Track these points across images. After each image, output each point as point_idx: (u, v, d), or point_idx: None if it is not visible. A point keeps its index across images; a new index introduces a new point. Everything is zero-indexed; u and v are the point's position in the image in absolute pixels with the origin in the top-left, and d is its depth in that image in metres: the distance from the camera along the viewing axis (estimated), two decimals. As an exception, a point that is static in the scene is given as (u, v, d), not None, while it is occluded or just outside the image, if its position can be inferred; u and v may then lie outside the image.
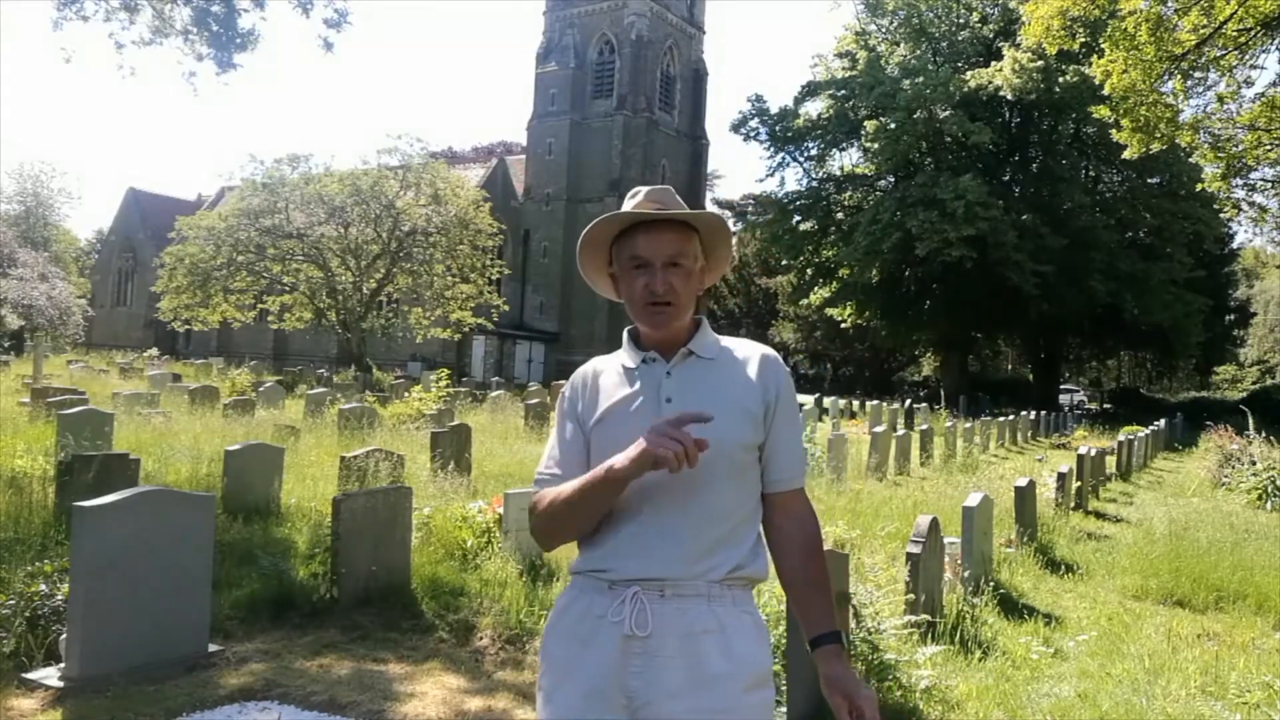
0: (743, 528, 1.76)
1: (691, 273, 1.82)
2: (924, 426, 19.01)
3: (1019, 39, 30.04)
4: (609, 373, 1.85)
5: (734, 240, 1.75)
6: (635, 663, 1.66)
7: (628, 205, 1.84)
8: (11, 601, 4.24)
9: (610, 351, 1.90)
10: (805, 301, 42.53)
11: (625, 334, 1.89)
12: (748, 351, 1.85)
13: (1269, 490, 12.61)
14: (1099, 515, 11.10)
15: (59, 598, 4.22)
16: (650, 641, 1.65)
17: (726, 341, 1.87)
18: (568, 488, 1.72)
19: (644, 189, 1.86)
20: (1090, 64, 14.63)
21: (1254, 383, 53.42)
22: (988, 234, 33.40)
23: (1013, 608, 6.24)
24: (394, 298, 33.84)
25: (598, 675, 1.67)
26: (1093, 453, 12.80)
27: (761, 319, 60.77)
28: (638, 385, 1.79)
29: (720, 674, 1.65)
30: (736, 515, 1.75)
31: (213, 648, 4.42)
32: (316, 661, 4.45)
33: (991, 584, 6.39)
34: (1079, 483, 11.34)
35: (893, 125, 36.60)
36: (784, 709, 3.76)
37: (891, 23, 42.46)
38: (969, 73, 35.89)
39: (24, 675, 3.96)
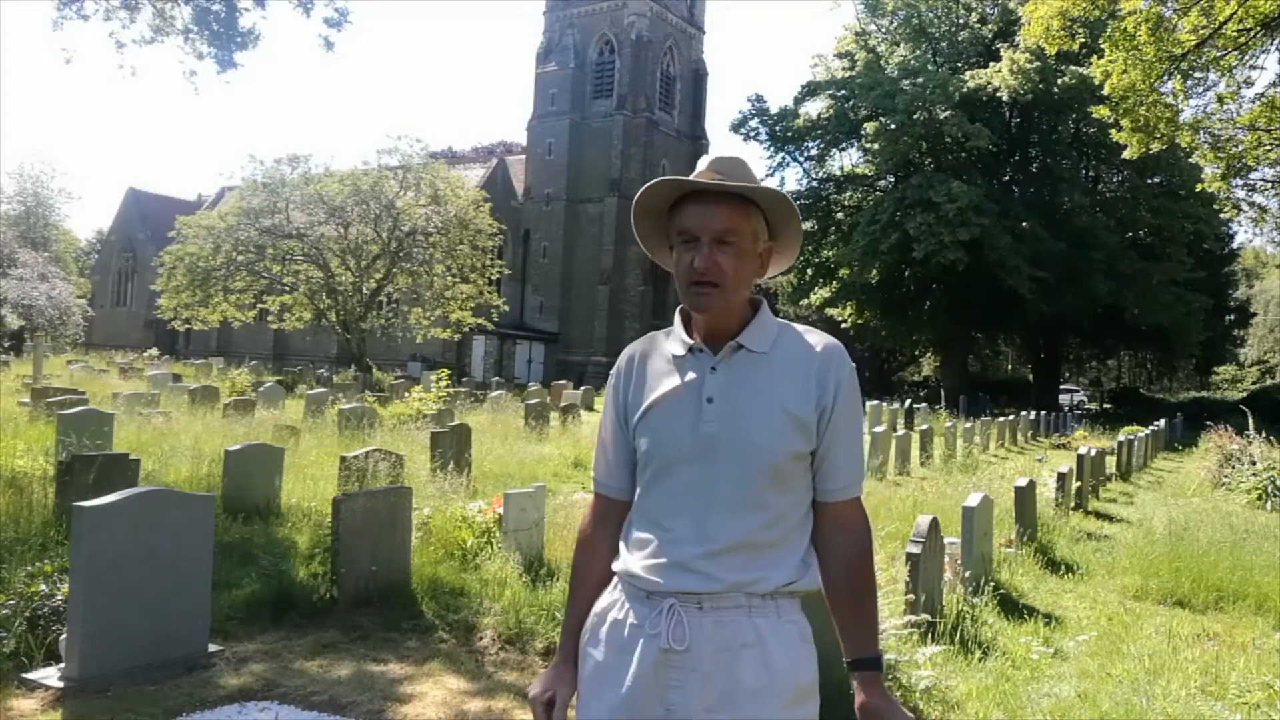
0: (792, 538, 1.65)
1: (747, 253, 1.66)
2: (924, 426, 19.00)
3: (1018, 40, 30.07)
4: (656, 358, 1.73)
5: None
6: (673, 676, 1.59)
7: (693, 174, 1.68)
8: (11, 601, 4.24)
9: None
10: (805, 301, 42.50)
11: (677, 313, 1.75)
12: (808, 345, 1.68)
13: (1269, 490, 12.61)
14: (1099, 515, 11.10)
15: (59, 598, 4.22)
16: (688, 655, 1.58)
17: (786, 331, 1.70)
18: (570, 593, 1.80)
19: (710, 156, 1.68)
20: (1090, 64, 14.63)
21: (1254, 383, 53.45)
22: (981, 237, 33.43)
23: (1013, 608, 6.24)
24: (394, 298, 33.82)
25: (636, 685, 1.60)
26: (1093, 453, 12.80)
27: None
28: (682, 379, 1.67)
29: (758, 688, 1.58)
30: (781, 526, 1.63)
31: (213, 648, 4.42)
32: (316, 662, 4.45)
33: (991, 584, 6.39)
34: (1079, 483, 11.34)
35: (893, 126, 36.58)
36: None
37: (891, 23, 42.46)
38: (968, 73, 35.88)
39: (24, 675, 3.96)
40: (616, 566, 1.71)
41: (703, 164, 1.68)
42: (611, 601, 1.69)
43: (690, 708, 1.58)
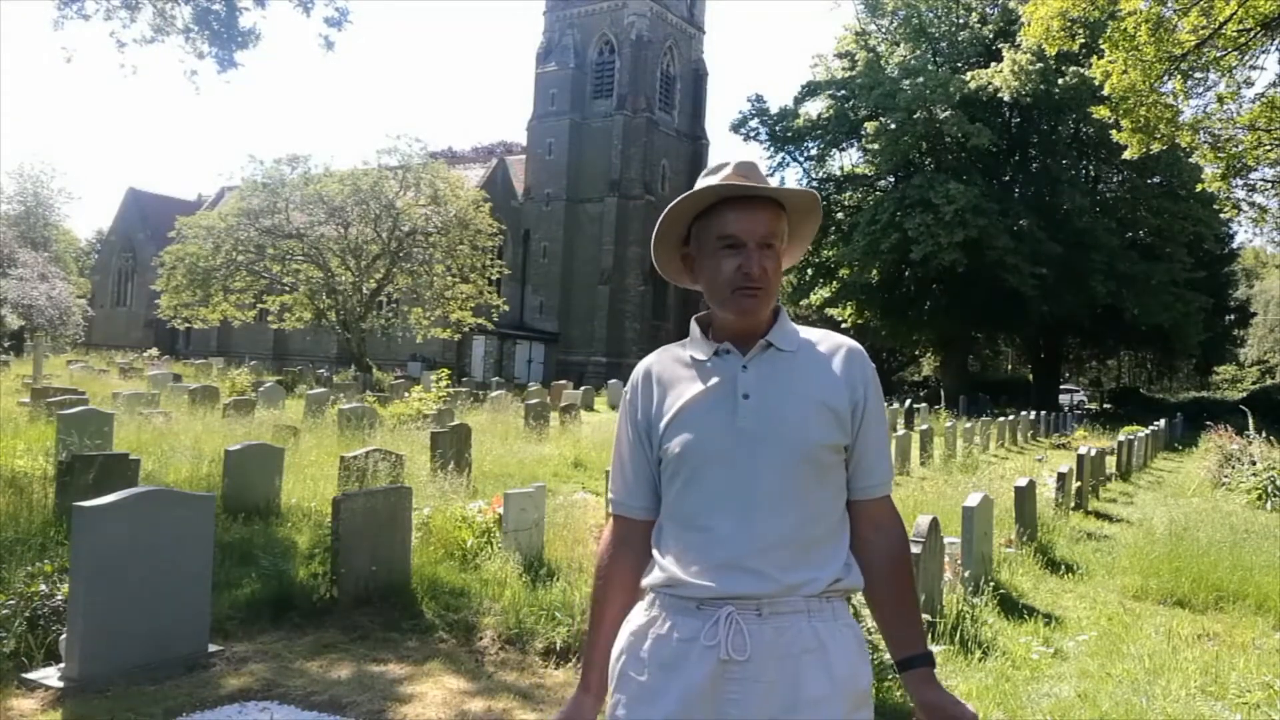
0: (835, 536, 1.64)
1: (780, 255, 1.69)
2: (924, 426, 19.00)
3: (1018, 40, 30.05)
4: (676, 366, 1.70)
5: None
6: (732, 688, 1.52)
7: (710, 180, 1.67)
8: (11, 601, 4.24)
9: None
10: (805, 301, 42.52)
11: (694, 322, 1.74)
12: (832, 345, 1.70)
13: (1269, 490, 12.60)
14: (1099, 515, 11.10)
15: (59, 598, 4.22)
16: (749, 666, 1.52)
17: (807, 333, 1.73)
18: (593, 620, 1.73)
19: (731, 161, 1.69)
20: (1089, 65, 14.62)
21: (1254, 383, 53.43)
22: (980, 238, 33.42)
23: (1013, 608, 6.24)
24: (394, 298, 33.83)
25: (687, 703, 1.54)
26: (1093, 453, 12.80)
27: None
28: (711, 381, 1.64)
29: (820, 697, 1.53)
30: (825, 523, 1.62)
31: (213, 648, 4.42)
32: (316, 662, 4.45)
33: (991, 584, 6.39)
34: (1079, 483, 11.34)
35: (893, 126, 36.60)
36: None
37: (891, 23, 42.47)
38: (969, 73, 35.89)
39: (24, 675, 3.96)
40: (650, 582, 1.65)
41: (727, 169, 1.68)
42: (650, 619, 1.62)
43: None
